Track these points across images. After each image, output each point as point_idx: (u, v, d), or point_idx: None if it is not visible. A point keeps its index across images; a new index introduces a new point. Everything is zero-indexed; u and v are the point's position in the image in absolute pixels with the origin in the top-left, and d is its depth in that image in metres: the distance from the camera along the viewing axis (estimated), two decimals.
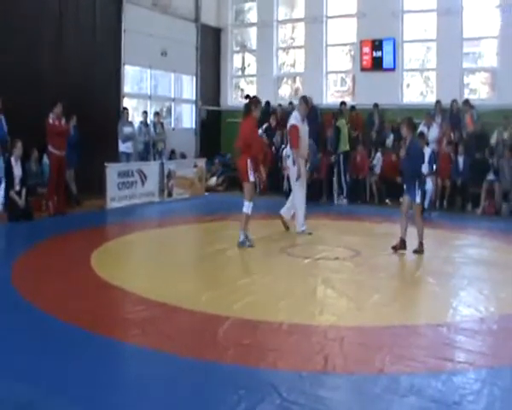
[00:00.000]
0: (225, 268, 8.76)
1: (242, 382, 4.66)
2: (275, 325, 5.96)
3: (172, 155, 18.14)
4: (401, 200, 9.61)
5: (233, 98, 21.75)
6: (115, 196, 14.26)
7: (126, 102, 17.22)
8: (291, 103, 19.02)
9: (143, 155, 16.78)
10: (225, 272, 8.54)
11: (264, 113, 18.58)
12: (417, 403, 4.35)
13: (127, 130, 15.93)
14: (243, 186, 9.98)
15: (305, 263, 8.87)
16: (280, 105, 19.17)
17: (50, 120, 12.69)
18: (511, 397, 4.50)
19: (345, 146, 15.97)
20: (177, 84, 19.88)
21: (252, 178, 9.79)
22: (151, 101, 18.71)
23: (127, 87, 17.57)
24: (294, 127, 10.94)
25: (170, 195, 15.97)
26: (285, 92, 21.20)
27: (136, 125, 16.87)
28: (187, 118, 20.54)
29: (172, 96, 19.71)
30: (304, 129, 11.07)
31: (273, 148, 17.92)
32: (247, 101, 11.10)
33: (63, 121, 13.03)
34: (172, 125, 19.47)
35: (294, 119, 11.06)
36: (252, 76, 21.75)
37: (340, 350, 5.34)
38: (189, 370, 4.91)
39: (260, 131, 17.82)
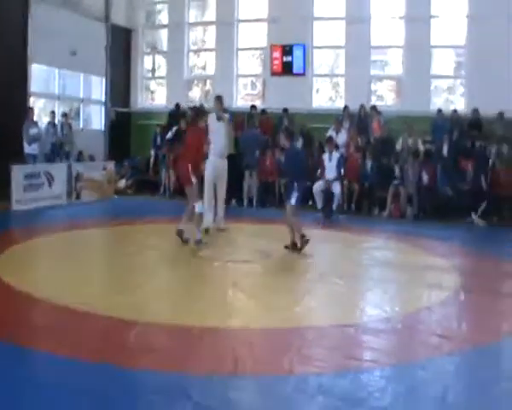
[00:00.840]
0: (135, 272, 8.65)
1: (154, 387, 4.63)
2: (185, 328, 5.95)
3: (80, 157, 17.75)
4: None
5: (143, 100, 21.52)
6: (21, 199, 13.81)
7: (33, 102, 16.76)
8: (202, 106, 18.99)
9: (50, 157, 16.35)
10: (135, 276, 8.43)
11: (173, 115, 18.61)
12: (325, 402, 4.44)
13: (33, 131, 15.48)
14: (186, 191, 10.22)
15: (214, 266, 8.90)
16: (190, 108, 19.08)
17: None
18: (414, 393, 4.65)
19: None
20: (86, 85, 19.49)
21: (194, 181, 10.03)
22: (59, 101, 18.25)
23: (34, 87, 17.06)
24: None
25: (78, 197, 15.65)
26: (196, 95, 21.15)
27: (44, 125, 16.44)
28: (96, 119, 20.14)
29: (81, 96, 19.31)
30: (218, 127, 11.29)
31: None
32: (194, 111, 11.67)
33: None
34: (81, 127, 19.08)
35: (210, 117, 11.26)
36: (162, 78, 21.60)
37: (250, 352, 5.37)
38: (99, 376, 4.83)
39: (170, 134, 17.78)
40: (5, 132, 14.31)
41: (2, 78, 15.13)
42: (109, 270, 9.03)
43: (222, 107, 11.80)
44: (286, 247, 9.79)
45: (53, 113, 16.89)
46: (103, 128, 19.89)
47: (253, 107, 18.28)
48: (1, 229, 11.75)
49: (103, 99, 19.91)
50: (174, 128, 18.12)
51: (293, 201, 9.72)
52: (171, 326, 6.04)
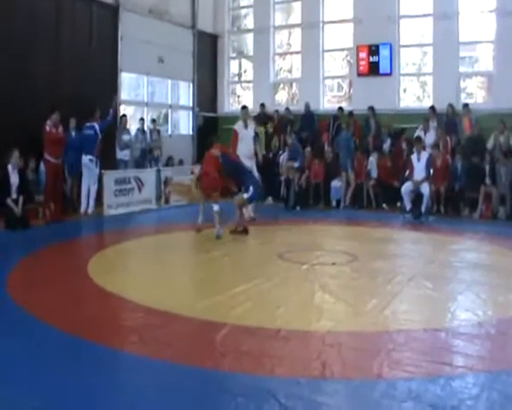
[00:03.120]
0: (222, 275, 8.75)
1: (240, 389, 4.63)
2: (272, 331, 5.92)
3: (170, 162, 18.11)
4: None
5: (230, 104, 21.74)
6: (112, 204, 14.25)
7: (123, 110, 17.21)
8: (288, 109, 19.04)
9: (140, 162, 16.75)
10: (222, 278, 8.51)
11: (259, 119, 18.73)
12: (416, 408, 4.32)
13: (125, 137, 15.94)
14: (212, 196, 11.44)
15: (302, 269, 8.84)
16: (277, 111, 19.19)
17: (47, 128, 12.71)
18: (510, 402, 4.47)
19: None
20: (174, 91, 19.90)
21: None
22: (148, 108, 18.69)
23: (124, 94, 17.55)
24: (234, 131, 13.30)
25: (167, 202, 15.95)
26: (282, 98, 21.21)
27: (133, 132, 16.85)
28: (184, 124, 20.54)
29: (169, 102, 19.72)
30: (246, 133, 13.18)
31: (271, 154, 17.90)
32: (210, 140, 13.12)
33: (60, 129, 13.04)
34: (169, 132, 19.47)
35: (237, 124, 13.42)
36: (248, 82, 21.78)
37: (338, 356, 5.31)
38: (186, 377, 4.88)
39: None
40: None
41: (94, 87, 15.62)
42: (196, 272, 9.14)
43: (248, 116, 13.63)
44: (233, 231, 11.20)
45: (142, 119, 17.30)
46: (191, 133, 20.22)
47: (340, 108, 18.19)
48: (94, 233, 12.14)
49: (191, 104, 20.25)
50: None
51: (245, 196, 11.14)
52: (259, 329, 6.01)
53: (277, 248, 10.11)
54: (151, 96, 18.95)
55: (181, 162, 18.67)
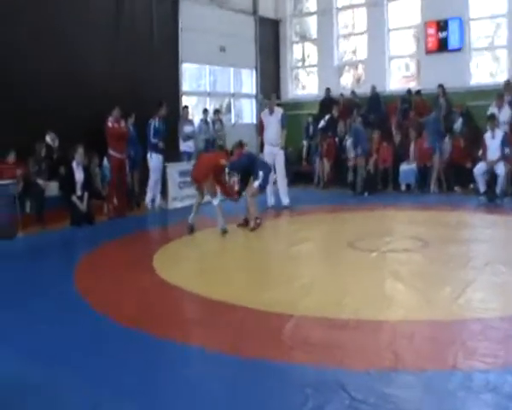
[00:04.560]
0: (289, 264, 8.57)
1: (309, 381, 4.49)
2: (341, 321, 5.77)
3: None
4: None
5: (294, 90, 21.48)
6: (177, 196, 14.23)
7: (185, 101, 17.22)
8: (353, 92, 18.67)
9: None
10: (289, 268, 8.34)
11: (325, 104, 18.43)
12: (493, 401, 4.08)
13: (188, 129, 15.89)
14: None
15: (372, 256, 8.57)
16: (342, 95, 18.82)
17: (109, 124, 12.80)
18: None
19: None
20: (237, 79, 19.83)
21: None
22: (210, 97, 18.68)
23: (186, 85, 17.59)
24: (259, 119, 14.48)
25: None
26: (347, 81, 20.80)
27: (197, 123, 16.81)
28: (247, 113, 20.45)
29: (232, 91, 19.64)
30: (270, 121, 13.63)
31: (336, 139, 17.59)
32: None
33: (122, 124, 13.09)
34: (233, 121, 19.39)
35: (263, 112, 14.23)
36: (312, 66, 21.44)
37: (410, 346, 5.11)
38: (254, 370, 4.79)
39: (322, 122, 17.63)
40: None
41: (155, 78, 15.65)
42: (261, 263, 8.97)
43: (274, 103, 14.19)
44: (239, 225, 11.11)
45: (206, 110, 17.24)
46: (255, 122, 20.08)
47: (409, 91, 17.68)
48: (159, 226, 12.24)
49: (254, 92, 20.12)
50: (327, 116, 17.95)
51: (256, 184, 10.88)
52: (327, 319, 5.85)
53: (346, 236, 9.86)
54: (213, 86, 18.92)
55: None
